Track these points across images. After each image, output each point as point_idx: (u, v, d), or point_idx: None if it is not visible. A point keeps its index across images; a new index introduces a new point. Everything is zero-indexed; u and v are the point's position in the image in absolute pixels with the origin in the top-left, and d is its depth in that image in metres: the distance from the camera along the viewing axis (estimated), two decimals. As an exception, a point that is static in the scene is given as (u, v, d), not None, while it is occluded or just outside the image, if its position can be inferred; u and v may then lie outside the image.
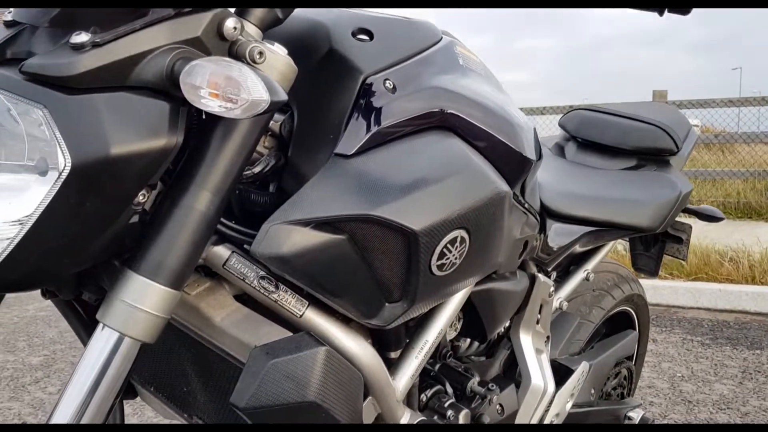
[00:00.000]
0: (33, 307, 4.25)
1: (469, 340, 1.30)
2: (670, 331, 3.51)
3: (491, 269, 0.99)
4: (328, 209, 0.77)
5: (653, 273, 1.91)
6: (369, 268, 0.82)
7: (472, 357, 1.37)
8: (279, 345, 0.77)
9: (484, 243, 0.90)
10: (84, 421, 0.71)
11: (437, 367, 1.25)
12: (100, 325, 0.72)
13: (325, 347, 0.78)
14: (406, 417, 0.98)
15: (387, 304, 0.86)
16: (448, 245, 0.83)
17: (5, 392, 2.79)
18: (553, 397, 1.37)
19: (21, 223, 0.65)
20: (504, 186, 0.91)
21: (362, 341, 0.89)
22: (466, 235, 0.85)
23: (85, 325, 0.93)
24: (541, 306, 1.34)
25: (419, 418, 0.98)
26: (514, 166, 0.96)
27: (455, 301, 1.01)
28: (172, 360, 1.00)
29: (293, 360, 0.76)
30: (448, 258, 0.85)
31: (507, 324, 1.36)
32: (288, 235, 0.76)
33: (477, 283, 1.06)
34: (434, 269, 0.84)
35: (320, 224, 0.77)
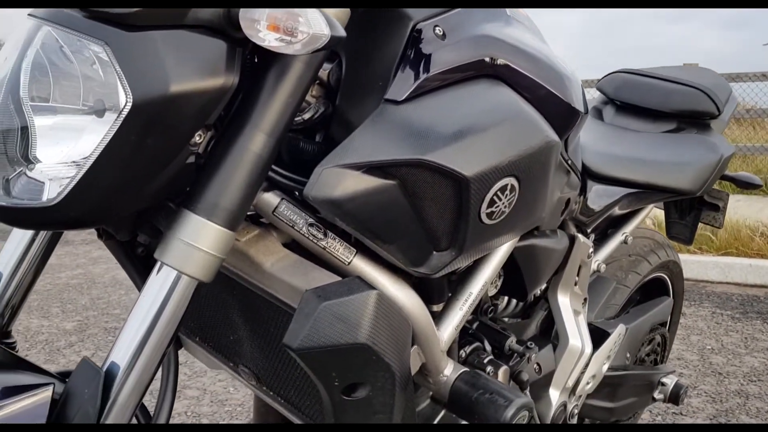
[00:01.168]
0: (65, 275, 4.32)
1: (506, 300, 1.30)
2: (699, 305, 3.48)
3: (536, 222, 0.98)
4: (380, 154, 0.77)
5: (688, 241, 1.89)
6: (418, 215, 0.82)
7: (507, 319, 1.37)
8: (330, 288, 0.78)
9: (532, 192, 0.89)
10: (141, 361, 0.72)
11: (475, 325, 1.25)
12: (158, 264, 0.73)
13: (376, 291, 0.78)
14: (449, 368, 0.99)
15: (435, 252, 0.86)
16: (498, 193, 0.83)
17: (41, 355, 2.85)
18: (590, 358, 1.37)
19: (79, 165, 0.66)
20: (554, 136, 0.90)
21: (409, 290, 0.89)
22: (516, 183, 0.85)
23: (138, 269, 0.94)
24: (579, 267, 1.33)
25: (462, 369, 0.99)
26: (562, 117, 0.95)
27: (500, 255, 1.01)
28: (218, 309, 1.02)
29: (345, 302, 0.76)
30: (497, 206, 0.84)
31: (545, 285, 1.36)
32: (340, 178, 0.76)
33: (520, 239, 1.06)
34: (483, 217, 0.84)
35: (372, 168, 0.77)
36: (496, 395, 0.94)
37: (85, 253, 5.08)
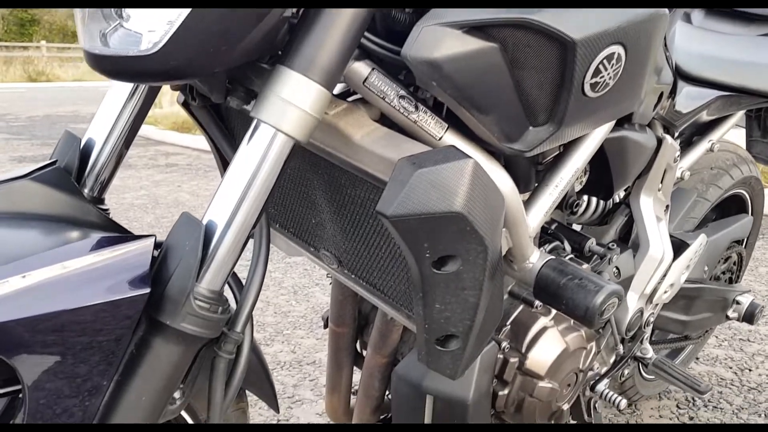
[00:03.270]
0: (130, 195, 4.44)
1: (584, 206, 1.27)
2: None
3: (633, 107, 0.93)
4: (484, 13, 0.73)
5: (768, 161, 1.80)
6: (518, 85, 0.78)
7: (583, 225, 1.34)
8: (426, 155, 0.76)
9: (637, 66, 0.84)
10: (237, 220, 0.72)
11: (554, 226, 1.22)
12: (254, 122, 0.72)
13: (473, 159, 0.75)
14: (535, 255, 0.96)
15: (531, 128, 0.83)
16: (605, 61, 0.79)
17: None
18: (669, 267, 1.33)
19: (178, 14, 0.65)
20: (662, 8, 0.85)
21: (501, 169, 0.87)
22: (622, 52, 0.80)
23: (225, 135, 0.94)
24: (664, 172, 1.28)
25: (549, 257, 0.97)
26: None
27: (592, 142, 0.97)
28: (302, 192, 1.01)
29: (441, 169, 0.74)
30: (602, 76, 0.80)
31: (628, 189, 1.32)
32: (440, 38, 0.73)
33: (613, 129, 1.01)
34: (587, 88, 0.80)
35: (474, 29, 0.73)
36: (586, 281, 0.91)
37: (147, 176, 5.20)
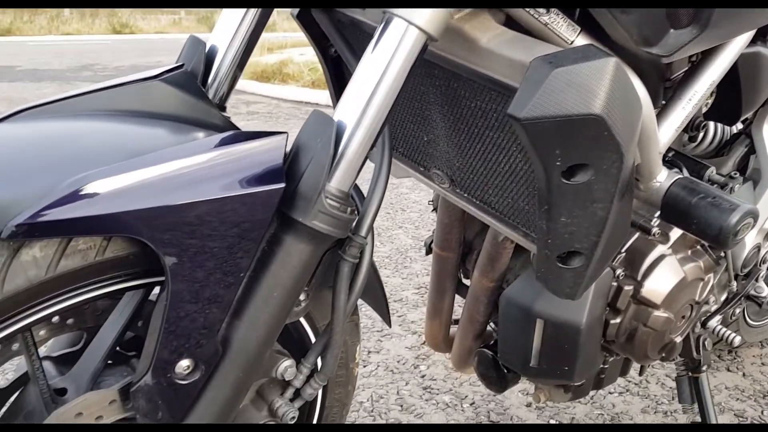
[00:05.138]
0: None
1: (702, 135, 1.20)
2: None
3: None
4: None
5: None
6: (663, -20, 0.73)
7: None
8: (563, 54, 0.72)
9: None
10: (367, 117, 0.71)
11: (671, 154, 1.16)
12: (385, 17, 0.69)
13: (615, 58, 0.71)
14: (663, 174, 0.91)
15: (672, 30, 0.77)
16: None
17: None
18: (790, 201, 1.25)
19: None
20: None
21: (635, 77, 0.82)
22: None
23: (348, 44, 0.92)
24: (793, 98, 1.19)
25: (677, 176, 0.91)
26: None
27: (729, 55, 0.90)
28: (414, 108, 0.99)
29: (580, 68, 0.70)
30: (756, -29, 0.74)
31: (749, 119, 1.24)
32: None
33: (748, 45, 0.94)
34: (739, -16, 0.74)
35: None
36: (720, 199, 0.86)
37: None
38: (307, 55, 8.47)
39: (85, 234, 0.63)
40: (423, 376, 1.80)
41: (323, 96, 6.22)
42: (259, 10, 0.90)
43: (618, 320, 1.08)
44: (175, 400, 0.71)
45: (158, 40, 13.40)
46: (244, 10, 0.89)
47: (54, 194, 0.60)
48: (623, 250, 1.08)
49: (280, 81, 7.27)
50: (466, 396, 1.71)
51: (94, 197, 0.61)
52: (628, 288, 1.06)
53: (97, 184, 0.61)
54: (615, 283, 1.06)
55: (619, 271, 1.06)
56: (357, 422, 1.59)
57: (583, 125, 0.71)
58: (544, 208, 0.79)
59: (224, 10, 0.90)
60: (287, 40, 9.81)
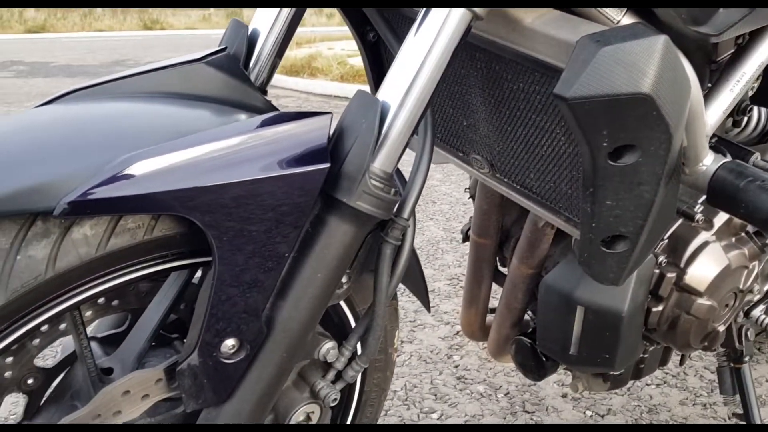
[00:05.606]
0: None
1: (746, 120, 1.17)
2: None
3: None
4: None
5: None
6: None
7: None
8: (611, 32, 0.70)
9: None
10: (411, 98, 0.70)
11: (714, 139, 1.14)
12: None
13: (665, 36, 0.69)
14: (710, 158, 0.90)
15: (722, 9, 0.75)
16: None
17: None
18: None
19: None
20: None
21: (683, 57, 0.80)
22: None
23: (391, 28, 0.91)
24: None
25: (724, 159, 0.90)
26: None
27: (779, 34, 0.88)
28: (453, 92, 0.98)
29: (629, 46, 0.68)
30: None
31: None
32: None
33: (798, 25, 0.92)
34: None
35: None
36: (770, 182, 0.84)
37: (259, 115, 5.29)
38: (336, 49, 8.48)
39: (134, 212, 0.63)
40: (457, 366, 1.79)
41: (352, 90, 6.19)
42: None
43: (660, 308, 1.06)
44: (221, 379, 0.72)
45: (188, 36, 13.52)
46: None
47: (104, 173, 0.61)
48: (666, 237, 1.06)
49: (309, 75, 7.29)
50: (501, 386, 1.70)
51: (144, 176, 0.61)
52: (671, 275, 1.04)
53: (146, 163, 0.62)
54: (657, 271, 1.05)
55: (661, 258, 1.05)
56: (391, 410, 1.59)
57: (631, 105, 0.70)
58: (589, 191, 0.78)
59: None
60: (316, 34, 9.84)
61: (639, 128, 0.72)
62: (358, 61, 7.40)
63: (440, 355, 1.85)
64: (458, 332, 1.96)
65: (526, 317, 1.24)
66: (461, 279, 2.33)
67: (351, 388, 1.01)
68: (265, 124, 0.68)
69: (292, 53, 8.14)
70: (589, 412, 1.59)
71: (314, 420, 0.85)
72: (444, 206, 3.15)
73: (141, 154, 0.62)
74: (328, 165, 0.66)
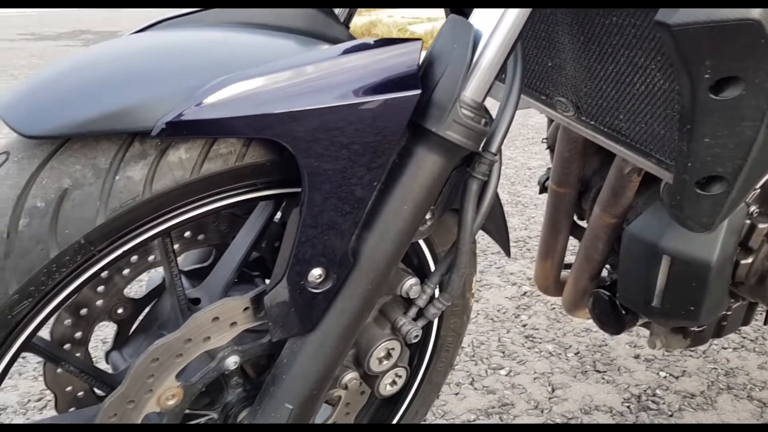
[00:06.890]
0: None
1: None
2: None
3: None
4: None
5: None
6: None
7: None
8: (720, -45, 0.66)
9: None
10: (503, 27, 0.68)
11: None
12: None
13: (779, -44, 0.65)
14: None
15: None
16: None
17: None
18: None
19: None
20: None
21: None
22: None
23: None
24: None
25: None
26: None
27: None
28: (537, 31, 0.95)
29: (739, -29, 0.65)
30: None
31: None
32: None
33: None
34: None
35: None
36: None
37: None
38: (395, 16, 8.40)
39: (229, 134, 0.64)
40: (524, 326, 1.78)
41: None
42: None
43: (749, 260, 1.02)
44: (307, 308, 0.72)
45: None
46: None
47: (199, 95, 0.61)
48: (758, 186, 1.01)
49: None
50: (570, 346, 1.67)
51: (238, 99, 0.61)
52: (763, 226, 1.00)
53: (240, 86, 0.62)
54: (748, 221, 1.00)
55: (753, 208, 1.00)
56: (459, 365, 1.59)
57: (738, 32, 0.66)
58: (686, 128, 0.75)
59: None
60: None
61: (745, 58, 0.68)
62: (418, 29, 7.32)
63: (507, 314, 1.84)
64: (525, 293, 1.94)
65: (606, 271, 1.21)
66: (527, 241, 2.30)
67: (428, 331, 1.01)
68: (354, 49, 0.67)
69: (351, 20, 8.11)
70: (663, 373, 1.55)
71: (394, 357, 0.85)
72: (509, 170, 3.10)
73: (234, 77, 0.62)
74: (418, 91, 0.65)
